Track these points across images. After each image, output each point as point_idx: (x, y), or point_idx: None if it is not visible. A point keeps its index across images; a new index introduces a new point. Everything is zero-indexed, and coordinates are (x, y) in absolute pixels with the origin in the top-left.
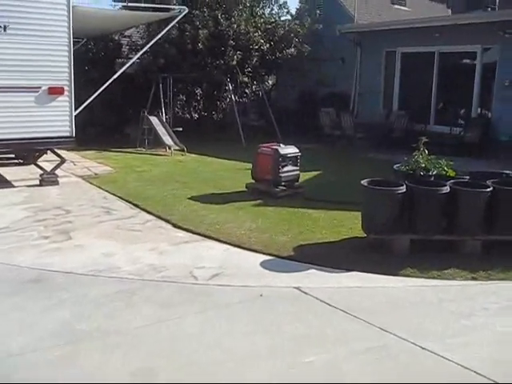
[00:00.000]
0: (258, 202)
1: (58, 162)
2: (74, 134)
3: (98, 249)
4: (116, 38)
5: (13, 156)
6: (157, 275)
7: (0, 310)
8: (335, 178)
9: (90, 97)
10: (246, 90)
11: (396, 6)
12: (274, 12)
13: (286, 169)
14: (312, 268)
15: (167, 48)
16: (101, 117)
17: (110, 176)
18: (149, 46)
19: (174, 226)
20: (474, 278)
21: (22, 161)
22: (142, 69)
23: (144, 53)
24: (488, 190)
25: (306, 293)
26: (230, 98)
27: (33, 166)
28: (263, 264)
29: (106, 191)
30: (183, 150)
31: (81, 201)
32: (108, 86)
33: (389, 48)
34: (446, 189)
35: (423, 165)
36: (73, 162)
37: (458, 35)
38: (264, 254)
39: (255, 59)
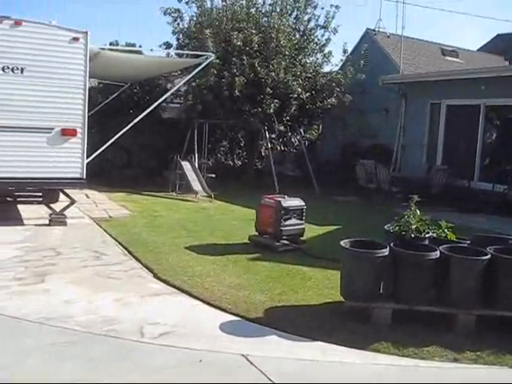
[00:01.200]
0: (256, 255)
1: (67, 203)
2: (84, 176)
3: (62, 295)
4: (161, 83)
5: (39, 194)
6: (104, 328)
7: None
8: (353, 234)
9: (130, 140)
10: (285, 139)
11: (448, 58)
12: (318, 61)
13: (288, 222)
14: (274, 334)
15: (205, 94)
16: (139, 159)
17: (123, 220)
18: (173, 90)
19: (155, 276)
20: (455, 360)
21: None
22: (183, 114)
23: (185, 98)
24: (485, 257)
25: (251, 362)
26: (267, 147)
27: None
28: (223, 325)
29: (109, 235)
30: (210, 197)
31: (78, 243)
32: (150, 130)
33: (434, 100)
34: (436, 254)
35: (414, 226)
36: (95, 203)
37: (504, 88)
38: (231, 313)
39: (293, 108)
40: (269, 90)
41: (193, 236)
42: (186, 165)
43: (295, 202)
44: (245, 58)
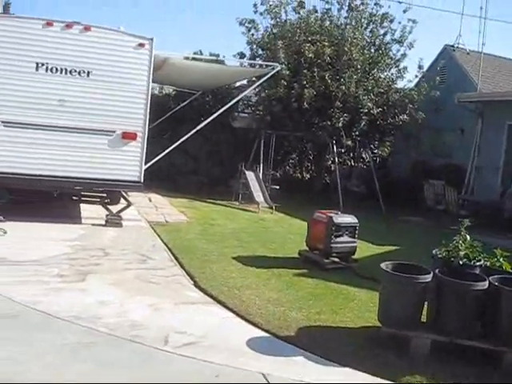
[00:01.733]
0: (302, 271)
1: (124, 205)
2: (142, 180)
3: (98, 296)
4: (234, 92)
5: (103, 195)
6: (130, 333)
7: None
8: (412, 256)
9: (197, 147)
10: (354, 154)
11: None
12: (391, 76)
13: (339, 239)
14: (302, 355)
15: (274, 105)
16: (206, 167)
17: (179, 225)
18: (236, 99)
19: (195, 284)
20: None
21: (109, 200)
22: (254, 124)
23: (256, 109)
24: None
25: (268, 382)
26: (334, 161)
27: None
28: (251, 341)
29: (161, 240)
30: (272, 208)
31: (127, 245)
32: (218, 138)
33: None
34: (483, 285)
35: (463, 252)
36: (156, 207)
37: None
38: (262, 329)
39: (363, 123)
40: (338, 103)
41: (244, 246)
42: (250, 175)
43: (347, 219)
44: (316, 70)
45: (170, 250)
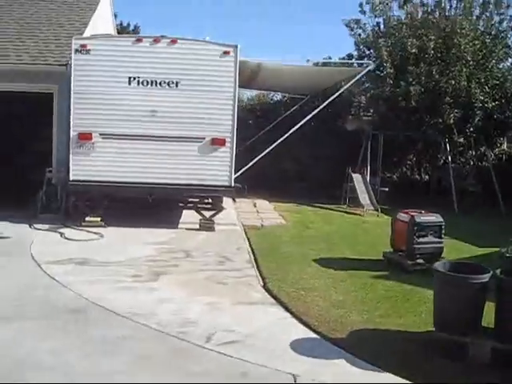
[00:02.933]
0: (382, 273)
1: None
2: (232, 184)
3: (161, 294)
4: (344, 94)
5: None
6: (178, 329)
7: None
8: None
9: (305, 152)
10: (471, 152)
11: None
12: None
13: (423, 239)
14: (345, 358)
15: (380, 105)
16: (314, 171)
17: (273, 229)
18: (331, 99)
19: (264, 285)
20: None
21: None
22: (365, 126)
23: (367, 110)
24: None
25: (300, 377)
26: (446, 160)
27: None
28: (297, 341)
29: (248, 243)
30: (377, 211)
31: (212, 248)
32: (326, 142)
33: None
34: None
35: None
36: (258, 211)
37: None
38: (314, 331)
39: (477, 118)
40: (448, 99)
41: (331, 249)
42: (357, 177)
43: (431, 218)
44: (422, 65)
45: (253, 252)
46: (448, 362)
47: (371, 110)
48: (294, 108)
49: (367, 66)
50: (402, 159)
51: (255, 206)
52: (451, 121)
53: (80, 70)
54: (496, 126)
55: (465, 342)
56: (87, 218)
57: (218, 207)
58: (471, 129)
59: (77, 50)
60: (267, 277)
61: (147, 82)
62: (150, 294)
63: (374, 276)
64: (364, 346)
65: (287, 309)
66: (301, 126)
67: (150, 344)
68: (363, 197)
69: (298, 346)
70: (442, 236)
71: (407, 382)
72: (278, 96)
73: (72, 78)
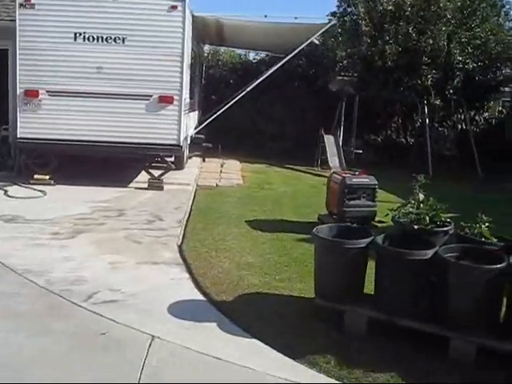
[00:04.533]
0: (310, 236)
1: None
2: (180, 143)
3: (72, 251)
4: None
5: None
6: (63, 287)
7: None
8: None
9: (283, 113)
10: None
11: None
12: (498, 22)
13: (354, 202)
14: (218, 323)
15: (357, 64)
16: (292, 132)
17: (226, 189)
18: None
19: (179, 245)
20: None
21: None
22: (345, 87)
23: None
24: (495, 267)
25: (150, 345)
26: (423, 123)
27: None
28: (180, 303)
29: (191, 203)
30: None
31: (150, 207)
32: (304, 103)
33: None
34: (425, 254)
35: (414, 213)
36: (222, 171)
37: None
38: (203, 293)
39: (457, 80)
40: (426, 59)
41: (274, 211)
42: (328, 139)
43: (364, 180)
44: (401, 23)
45: (190, 212)
46: (326, 330)
47: (351, 71)
48: (276, 68)
49: (330, 23)
50: (387, 121)
51: (222, 165)
52: (429, 82)
53: (24, 25)
54: (477, 88)
55: (342, 310)
56: (36, 176)
57: (178, 165)
58: (451, 91)
59: (21, 5)
60: (188, 237)
61: (93, 37)
62: (59, 251)
63: (299, 239)
64: (245, 311)
65: (189, 269)
66: (286, 85)
67: (28, 300)
68: (333, 159)
69: (178, 308)
70: (375, 199)
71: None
72: (261, 55)
73: (17, 33)
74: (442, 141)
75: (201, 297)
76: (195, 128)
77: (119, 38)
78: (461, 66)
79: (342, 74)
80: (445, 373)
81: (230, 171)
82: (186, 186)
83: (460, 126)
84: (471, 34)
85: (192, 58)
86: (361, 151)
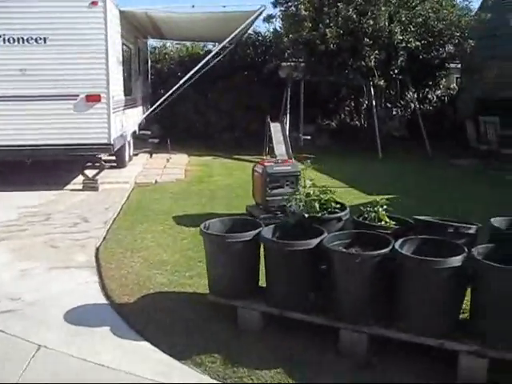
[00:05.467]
0: None
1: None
2: (111, 142)
3: None
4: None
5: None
6: None
7: None
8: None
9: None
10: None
11: None
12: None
13: (278, 191)
14: (112, 327)
15: (300, 50)
16: (241, 122)
17: (165, 185)
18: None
19: (98, 247)
20: None
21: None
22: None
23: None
24: (377, 252)
25: (47, 347)
26: (370, 105)
27: (120, 170)
28: (78, 308)
29: (124, 202)
30: (290, 159)
31: (81, 209)
32: (253, 92)
33: None
34: (308, 244)
35: (303, 199)
36: (165, 167)
37: None
38: (106, 295)
39: (401, 59)
40: (367, 40)
41: (207, 205)
42: (275, 126)
43: (287, 168)
44: (341, 6)
45: (119, 211)
46: (221, 327)
47: (297, 56)
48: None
49: (261, 9)
50: (340, 105)
51: (168, 161)
52: (372, 63)
53: None
54: (422, 66)
55: (234, 306)
56: None
57: (119, 164)
58: (395, 71)
59: None
60: (108, 238)
61: (13, 39)
62: None
63: None
64: (143, 312)
65: (99, 272)
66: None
67: None
68: (278, 146)
69: (76, 314)
70: (299, 187)
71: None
72: (209, 46)
73: None
74: (392, 121)
75: (104, 300)
76: (140, 124)
77: (40, 38)
78: (403, 45)
79: (291, 60)
80: (335, 365)
81: (174, 166)
82: (124, 185)
83: (413, 106)
84: (412, 12)
85: (127, 54)
86: (309, 137)
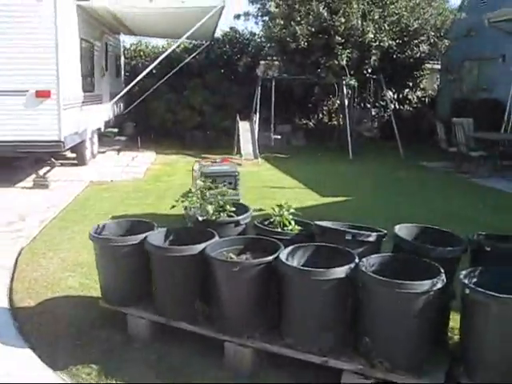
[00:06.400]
0: None
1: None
2: (61, 139)
3: None
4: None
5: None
6: None
7: None
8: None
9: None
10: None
11: None
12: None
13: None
14: (4, 333)
15: (271, 47)
16: (212, 120)
17: (118, 184)
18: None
19: (24, 247)
20: None
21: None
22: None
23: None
24: (256, 261)
25: None
26: (341, 104)
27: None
28: None
29: (72, 200)
30: (257, 158)
31: (22, 208)
32: (226, 90)
33: None
34: (190, 250)
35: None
36: (128, 165)
37: None
38: (9, 298)
39: (374, 58)
40: (339, 38)
41: (151, 204)
42: (244, 125)
43: (223, 168)
44: (312, 3)
45: (61, 210)
46: (111, 336)
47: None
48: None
49: (220, 5)
50: (318, 104)
51: (133, 159)
52: (344, 62)
53: None
54: (397, 66)
55: (124, 313)
56: None
57: (79, 161)
58: (369, 70)
59: None
60: (39, 238)
61: None
62: None
63: None
64: (38, 318)
65: (13, 273)
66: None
67: None
68: (246, 146)
69: None
70: (237, 187)
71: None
72: (184, 42)
73: None
74: (365, 122)
75: (5, 304)
76: (109, 122)
77: None
78: (377, 44)
79: (269, 58)
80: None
81: (138, 165)
82: (78, 183)
83: (393, 106)
84: (386, 11)
85: (87, 50)
86: (279, 136)
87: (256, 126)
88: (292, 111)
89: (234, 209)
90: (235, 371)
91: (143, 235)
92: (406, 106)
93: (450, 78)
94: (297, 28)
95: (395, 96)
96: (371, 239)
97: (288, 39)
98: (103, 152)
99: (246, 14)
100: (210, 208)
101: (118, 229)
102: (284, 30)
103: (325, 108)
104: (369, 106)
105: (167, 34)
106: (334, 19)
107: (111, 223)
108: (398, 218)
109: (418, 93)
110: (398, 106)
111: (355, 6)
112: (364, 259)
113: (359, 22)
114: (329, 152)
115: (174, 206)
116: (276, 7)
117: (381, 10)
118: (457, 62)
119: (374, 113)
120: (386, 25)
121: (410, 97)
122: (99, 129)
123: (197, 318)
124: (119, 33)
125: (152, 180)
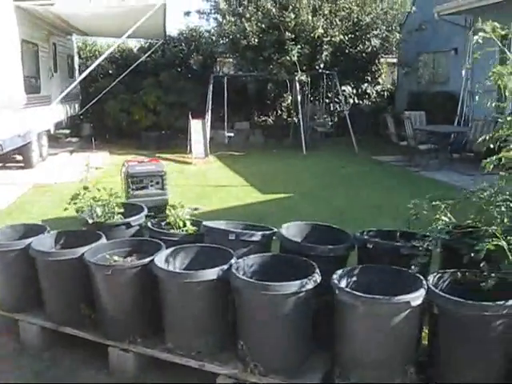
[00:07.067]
0: None
1: None
2: None
3: None
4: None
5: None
6: None
7: None
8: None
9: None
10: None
11: None
12: None
13: (142, 192)
14: None
15: (221, 44)
16: (167, 120)
17: (61, 187)
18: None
19: None
20: None
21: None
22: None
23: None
24: (128, 264)
25: None
26: (295, 100)
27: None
28: None
29: (7, 205)
30: (207, 157)
31: None
32: (181, 88)
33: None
34: (73, 253)
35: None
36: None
37: None
38: None
39: (325, 54)
40: (289, 34)
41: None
42: (196, 124)
43: (150, 168)
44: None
45: None
46: (6, 342)
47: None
48: (148, 54)
49: (161, 3)
50: (275, 102)
51: (85, 160)
52: (295, 58)
53: None
54: (349, 61)
55: (14, 319)
56: None
57: (25, 164)
58: (321, 65)
59: None
60: None
61: None
62: None
63: None
64: None
65: None
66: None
67: None
68: (197, 146)
69: None
70: (164, 187)
71: None
72: (141, 42)
73: None
74: (319, 117)
75: None
76: (62, 122)
77: None
78: (328, 39)
79: (224, 55)
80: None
81: (88, 166)
82: (21, 186)
83: (352, 101)
84: (336, 6)
85: (30, 51)
86: (232, 134)
87: (208, 124)
88: (249, 108)
89: (121, 210)
90: (121, 373)
91: (30, 240)
92: (365, 101)
93: (404, 71)
94: (246, 25)
95: (354, 91)
96: (255, 239)
97: (239, 36)
98: (55, 154)
99: (199, 12)
100: (99, 210)
101: (14, 233)
102: (234, 27)
103: (283, 104)
104: (326, 101)
105: (116, 34)
106: (284, 15)
107: (7, 228)
108: (325, 213)
109: (378, 87)
110: (357, 101)
111: (305, 1)
112: (240, 260)
113: (309, 17)
114: (284, 148)
115: (66, 209)
116: (225, 4)
117: (331, 5)
118: (412, 55)
119: (332, 108)
120: (337, 20)
121: (368, 91)
122: (48, 130)
123: (84, 322)
124: (71, 33)
125: (96, 182)
